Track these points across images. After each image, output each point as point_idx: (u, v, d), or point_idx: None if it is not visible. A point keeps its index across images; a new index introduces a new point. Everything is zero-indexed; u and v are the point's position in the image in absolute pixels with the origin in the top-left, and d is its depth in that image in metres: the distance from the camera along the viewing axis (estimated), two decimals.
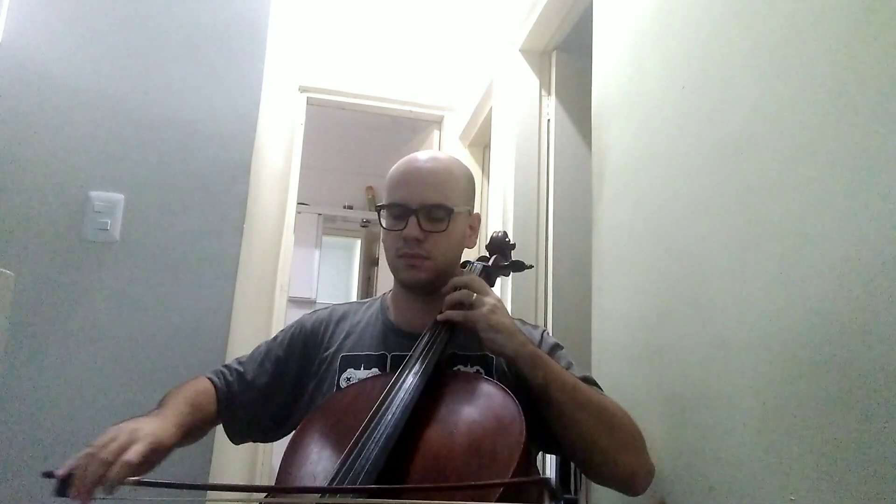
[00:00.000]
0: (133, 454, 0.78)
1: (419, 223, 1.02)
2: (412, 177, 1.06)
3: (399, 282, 1.10)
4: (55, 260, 1.49)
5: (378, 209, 1.08)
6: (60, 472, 0.77)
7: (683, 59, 1.09)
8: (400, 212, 1.04)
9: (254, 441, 1.17)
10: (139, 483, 0.76)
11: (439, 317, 1.00)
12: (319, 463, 0.86)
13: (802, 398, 0.76)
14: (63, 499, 0.76)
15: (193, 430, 0.99)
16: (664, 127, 1.14)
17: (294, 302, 3.90)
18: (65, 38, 1.60)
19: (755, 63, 0.90)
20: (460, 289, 1.01)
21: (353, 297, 5.90)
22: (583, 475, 1.28)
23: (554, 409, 0.91)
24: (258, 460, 2.44)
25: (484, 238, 1.70)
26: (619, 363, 1.23)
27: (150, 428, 0.85)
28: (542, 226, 2.10)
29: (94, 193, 1.53)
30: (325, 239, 5.11)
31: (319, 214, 4.96)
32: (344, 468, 0.78)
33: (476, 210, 1.16)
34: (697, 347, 0.98)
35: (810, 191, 0.78)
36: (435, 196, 1.04)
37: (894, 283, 0.65)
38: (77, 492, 0.76)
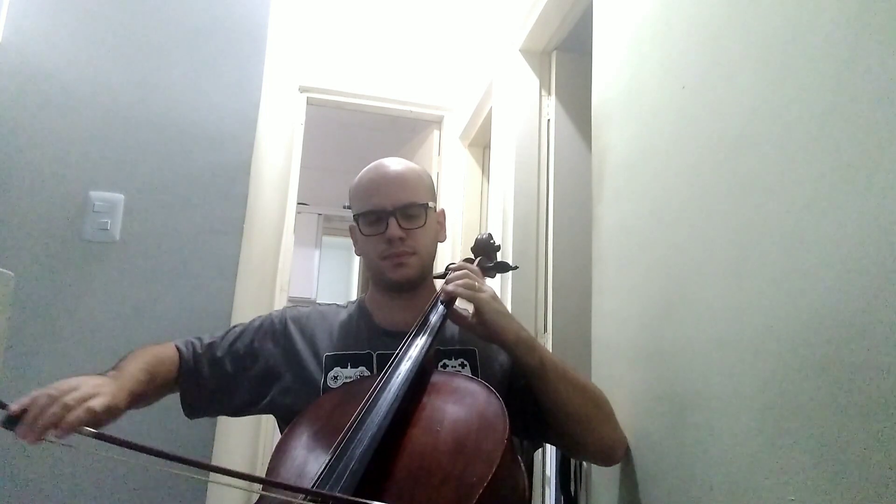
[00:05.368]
0: (97, 403, 0.77)
1: (398, 223, 1.07)
2: (382, 182, 1.12)
3: (385, 283, 1.12)
4: (55, 260, 1.49)
5: (356, 218, 1.12)
6: (14, 406, 0.73)
7: (683, 59, 1.09)
8: (377, 217, 1.09)
9: (208, 416, 1.17)
10: (97, 436, 0.72)
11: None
12: (307, 463, 0.87)
13: (802, 398, 0.76)
14: (9, 432, 0.72)
15: (145, 398, 0.98)
16: (664, 127, 1.14)
17: (294, 302, 3.90)
18: (65, 38, 1.60)
19: (755, 63, 0.90)
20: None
21: (354, 297, 5.90)
22: (579, 464, 1.35)
23: (549, 389, 0.99)
24: (259, 452, 2.44)
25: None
26: (619, 363, 1.23)
27: (110, 389, 0.84)
28: (542, 226, 2.10)
29: (94, 193, 1.53)
30: (325, 239, 5.12)
31: (319, 214, 4.96)
32: (328, 467, 0.80)
33: (441, 206, 1.23)
34: (697, 347, 0.98)
35: (810, 191, 0.78)
36: (408, 195, 1.10)
37: (894, 283, 0.65)
38: (28, 430, 0.73)
